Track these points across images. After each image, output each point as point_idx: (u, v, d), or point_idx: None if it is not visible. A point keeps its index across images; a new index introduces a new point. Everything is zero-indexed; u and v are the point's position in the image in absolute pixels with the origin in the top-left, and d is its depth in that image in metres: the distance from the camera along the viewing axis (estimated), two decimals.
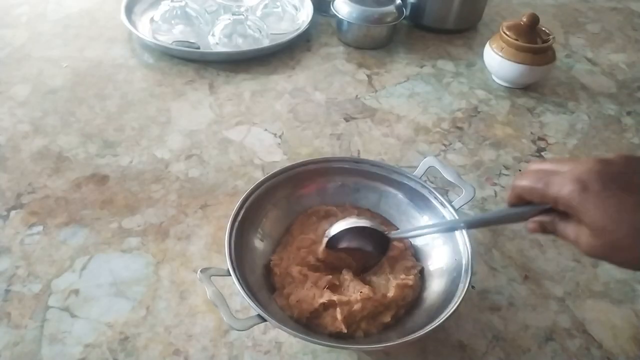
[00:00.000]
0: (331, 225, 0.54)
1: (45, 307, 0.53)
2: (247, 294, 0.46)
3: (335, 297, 0.50)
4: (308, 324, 0.50)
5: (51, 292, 0.54)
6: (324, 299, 0.50)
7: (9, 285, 0.55)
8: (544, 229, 0.40)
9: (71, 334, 0.51)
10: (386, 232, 0.52)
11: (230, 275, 0.48)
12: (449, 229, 0.54)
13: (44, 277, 0.56)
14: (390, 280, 0.52)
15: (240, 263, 0.51)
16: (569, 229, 0.38)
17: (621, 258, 0.36)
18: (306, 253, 0.55)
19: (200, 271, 0.47)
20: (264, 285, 0.53)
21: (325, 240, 0.53)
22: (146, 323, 0.52)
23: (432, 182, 0.68)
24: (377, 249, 0.53)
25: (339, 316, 0.49)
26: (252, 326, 0.45)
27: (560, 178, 0.37)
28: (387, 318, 0.50)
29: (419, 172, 0.60)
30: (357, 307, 0.49)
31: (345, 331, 0.49)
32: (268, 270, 0.55)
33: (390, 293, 0.51)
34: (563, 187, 0.36)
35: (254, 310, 0.45)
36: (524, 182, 0.39)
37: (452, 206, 0.56)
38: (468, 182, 0.58)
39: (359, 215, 0.59)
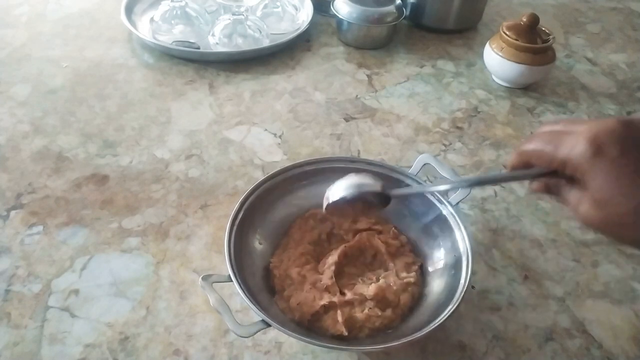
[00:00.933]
0: (330, 188, 0.50)
1: (45, 307, 0.53)
2: (250, 300, 0.46)
3: (335, 299, 0.50)
4: (310, 326, 0.50)
5: (51, 292, 0.54)
6: (324, 301, 0.50)
7: (9, 285, 0.55)
8: (548, 190, 0.37)
9: (71, 334, 0.51)
10: (386, 191, 0.48)
11: (231, 281, 0.48)
12: (451, 188, 0.51)
13: (44, 277, 0.56)
14: (396, 282, 0.52)
15: (241, 266, 0.50)
16: (572, 194, 0.34)
17: (620, 234, 0.32)
18: (308, 258, 0.55)
19: (202, 278, 0.47)
20: (264, 287, 0.53)
21: (325, 204, 0.50)
22: (146, 323, 0.52)
23: (431, 182, 0.68)
24: (378, 202, 0.49)
25: (339, 318, 0.49)
26: (256, 332, 0.45)
27: (573, 138, 0.32)
28: (393, 321, 0.51)
29: (414, 169, 0.60)
30: (361, 316, 0.50)
31: (346, 334, 0.49)
32: (268, 272, 0.55)
33: (399, 298, 0.51)
34: (575, 148, 0.32)
35: (258, 315, 0.45)
36: (532, 145, 0.35)
37: (449, 202, 0.56)
38: (465, 180, 0.58)
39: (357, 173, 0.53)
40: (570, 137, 0.33)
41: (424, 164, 0.60)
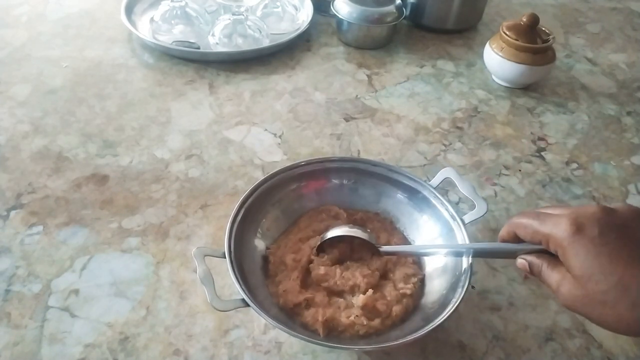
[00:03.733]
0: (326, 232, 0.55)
1: (45, 307, 0.53)
2: (236, 277, 0.47)
3: (319, 296, 0.51)
4: (291, 315, 0.51)
5: (51, 292, 0.54)
6: (305, 295, 0.51)
7: (9, 285, 0.55)
8: (531, 270, 0.38)
9: (71, 334, 0.51)
10: (377, 245, 0.53)
11: (224, 257, 0.48)
12: (452, 252, 0.52)
13: (44, 277, 0.56)
14: (392, 294, 0.52)
15: (238, 251, 0.51)
16: (553, 275, 0.35)
17: (601, 315, 0.33)
18: (305, 246, 0.55)
19: (196, 248, 0.48)
20: (260, 277, 0.54)
21: (318, 242, 0.54)
22: (146, 323, 0.52)
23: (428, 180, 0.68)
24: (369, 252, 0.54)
25: (320, 318, 0.49)
26: (233, 309, 0.45)
27: (557, 217, 0.35)
28: (379, 331, 0.50)
29: (435, 181, 0.58)
30: (345, 321, 0.49)
31: (322, 335, 0.48)
32: (265, 261, 0.55)
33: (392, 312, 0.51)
34: (557, 226, 0.34)
35: (240, 293, 0.46)
36: (520, 219, 0.38)
37: (462, 220, 0.55)
38: (483, 199, 0.56)
39: (353, 225, 0.57)
40: (554, 216, 0.36)
41: (445, 178, 0.58)
